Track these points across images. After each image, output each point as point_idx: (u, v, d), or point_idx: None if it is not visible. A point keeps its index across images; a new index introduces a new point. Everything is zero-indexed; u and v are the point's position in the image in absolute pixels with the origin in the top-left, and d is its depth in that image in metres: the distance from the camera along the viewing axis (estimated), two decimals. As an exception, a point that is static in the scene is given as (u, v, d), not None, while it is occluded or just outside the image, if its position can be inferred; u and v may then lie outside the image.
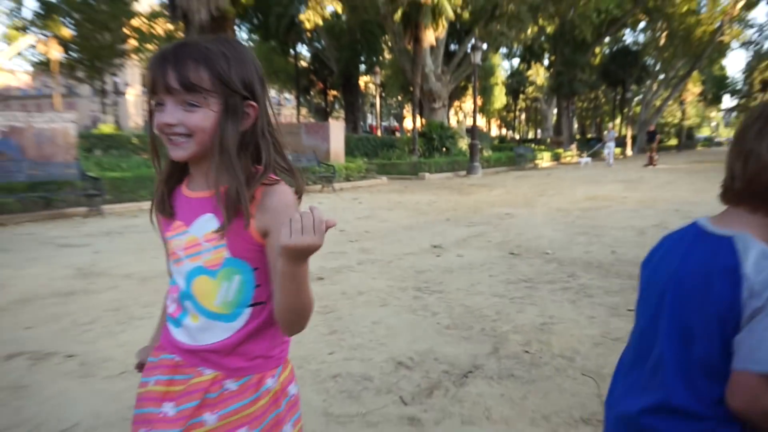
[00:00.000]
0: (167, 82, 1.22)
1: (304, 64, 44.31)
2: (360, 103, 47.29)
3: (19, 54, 37.28)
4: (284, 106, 67.07)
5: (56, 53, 35.60)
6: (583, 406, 3.32)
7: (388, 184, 19.51)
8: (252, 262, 1.32)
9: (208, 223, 1.31)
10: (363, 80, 45.96)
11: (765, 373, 1.17)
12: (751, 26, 54.04)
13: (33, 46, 37.40)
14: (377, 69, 37.13)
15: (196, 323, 1.35)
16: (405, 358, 4.03)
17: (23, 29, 35.66)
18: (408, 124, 53.18)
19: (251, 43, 39.56)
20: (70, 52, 36.60)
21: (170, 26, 34.12)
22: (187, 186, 1.36)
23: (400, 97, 54.48)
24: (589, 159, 31.03)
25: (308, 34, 38.30)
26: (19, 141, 12.36)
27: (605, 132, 40.39)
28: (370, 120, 60.04)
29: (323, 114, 45.89)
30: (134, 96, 64.98)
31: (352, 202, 14.12)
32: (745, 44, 57.39)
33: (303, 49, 43.27)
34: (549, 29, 41.23)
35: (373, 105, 56.41)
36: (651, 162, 29.13)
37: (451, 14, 26.94)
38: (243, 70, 1.29)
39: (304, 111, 48.83)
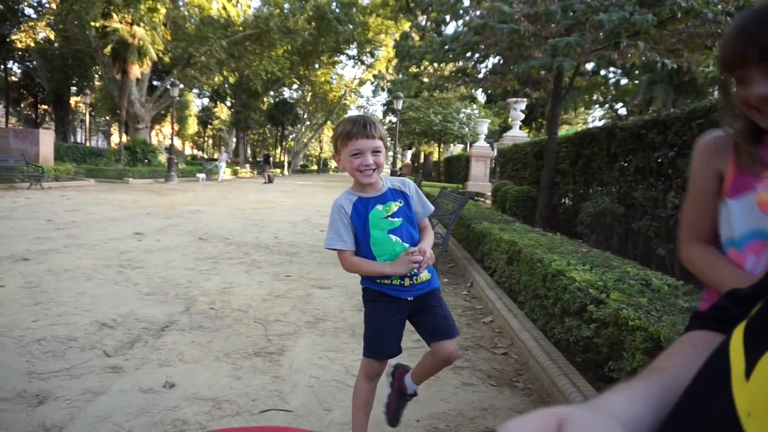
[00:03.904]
0: None
1: (14, 78, 36.14)
2: (71, 119, 40.33)
3: None
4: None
5: None
6: (255, 343, 3.22)
7: (96, 186, 16.92)
8: None
9: None
10: (74, 99, 39.23)
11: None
12: (362, 97, 60.46)
13: None
14: (88, 91, 31.97)
15: None
16: (108, 320, 3.47)
17: None
18: (116, 139, 46.84)
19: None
20: None
21: None
22: None
23: (108, 117, 47.87)
24: (204, 175, 25.57)
25: (19, 53, 31.34)
26: None
27: (218, 154, 34.31)
28: (80, 134, 51.25)
29: (33, 124, 37.79)
30: None
31: (61, 198, 11.89)
32: (359, 107, 63.72)
33: (14, 65, 35.33)
34: (231, 79, 40.40)
35: (83, 121, 48.77)
36: (268, 179, 26.57)
37: (154, 56, 24.65)
38: None
39: (13, 120, 40.02)
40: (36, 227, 7.30)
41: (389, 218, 1.79)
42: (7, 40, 28.96)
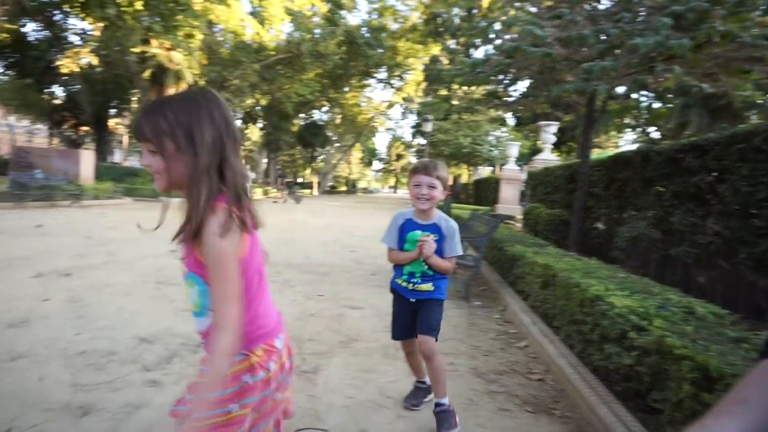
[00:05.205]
0: None
1: (58, 101, 37.68)
2: (109, 140, 41.78)
3: None
4: (36, 135, 55.73)
5: None
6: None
7: (132, 204, 17.43)
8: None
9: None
10: (113, 121, 40.66)
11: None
12: (391, 119, 60.99)
13: None
14: (126, 114, 33.13)
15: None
16: (147, 335, 3.55)
17: None
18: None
19: (4, 77, 32.79)
20: None
21: None
22: None
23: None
24: None
25: (64, 78, 32.67)
26: None
27: None
28: (117, 155, 52.85)
29: (74, 145, 39.16)
30: None
31: (99, 216, 12.27)
32: (387, 130, 64.23)
33: (59, 89, 36.79)
34: (263, 102, 41.32)
35: (121, 142, 50.48)
36: (296, 200, 27.16)
37: (190, 79, 25.45)
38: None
39: (56, 141, 41.53)
40: (76, 244, 7.54)
41: None
42: (53, 65, 30.28)
